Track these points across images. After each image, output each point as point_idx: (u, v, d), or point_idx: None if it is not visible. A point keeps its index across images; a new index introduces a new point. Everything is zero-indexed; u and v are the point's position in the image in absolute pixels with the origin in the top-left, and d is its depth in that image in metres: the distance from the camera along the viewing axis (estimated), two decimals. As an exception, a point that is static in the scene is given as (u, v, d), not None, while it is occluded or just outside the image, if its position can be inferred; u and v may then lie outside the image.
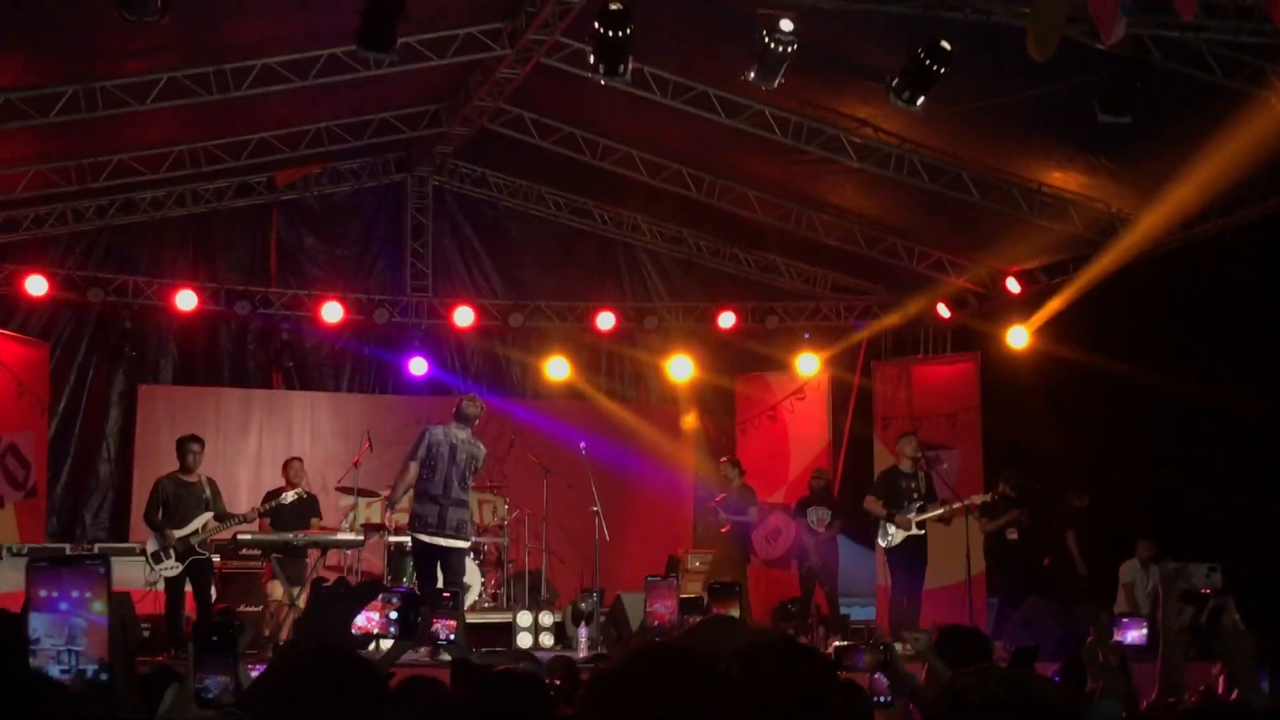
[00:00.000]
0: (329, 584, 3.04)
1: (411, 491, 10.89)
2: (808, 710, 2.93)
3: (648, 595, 4.45)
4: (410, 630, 3.67)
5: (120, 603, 10.26)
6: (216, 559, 11.86)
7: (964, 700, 3.64)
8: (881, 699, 4.65)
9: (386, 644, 4.21)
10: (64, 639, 2.03)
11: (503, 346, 16.52)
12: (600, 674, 2.53)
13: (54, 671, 2.03)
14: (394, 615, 3.62)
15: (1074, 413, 13.54)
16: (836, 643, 4.83)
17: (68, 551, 12.22)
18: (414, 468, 10.81)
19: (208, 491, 11.70)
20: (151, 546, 11.43)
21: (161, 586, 11.37)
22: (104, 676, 2.01)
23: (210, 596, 11.50)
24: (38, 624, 2.06)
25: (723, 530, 13.68)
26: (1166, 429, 12.59)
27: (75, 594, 2.07)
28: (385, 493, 13.97)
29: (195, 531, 11.43)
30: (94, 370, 15.16)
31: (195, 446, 11.82)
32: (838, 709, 3.18)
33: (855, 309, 16.29)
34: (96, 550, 12.47)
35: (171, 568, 11.33)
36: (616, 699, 2.44)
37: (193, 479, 11.71)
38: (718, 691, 2.41)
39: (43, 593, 2.07)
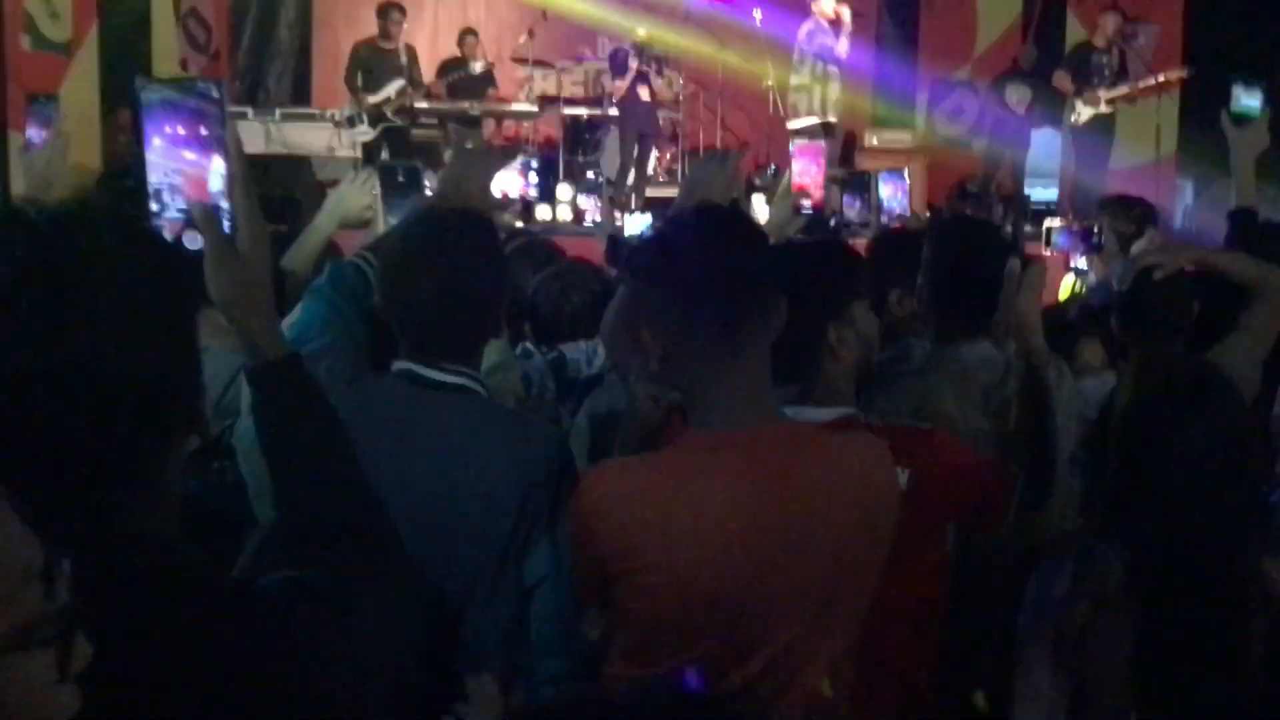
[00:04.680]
0: (472, 145, 3.05)
1: None
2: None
3: (792, 157, 4.24)
4: (548, 196, 3.72)
5: (298, 167, 10.56)
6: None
7: (1146, 274, 3.57)
8: None
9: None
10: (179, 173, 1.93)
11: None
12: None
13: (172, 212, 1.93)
14: (534, 181, 3.64)
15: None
16: (1049, 222, 4.69)
17: (249, 115, 12.36)
18: None
19: (404, 59, 11.69)
20: (347, 111, 11.56)
21: (345, 152, 11.57)
22: (223, 204, 1.91)
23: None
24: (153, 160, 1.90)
25: None
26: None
27: (187, 127, 1.91)
28: (562, 64, 13.91)
29: (387, 99, 11.51)
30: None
31: (396, 15, 11.73)
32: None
33: None
34: (278, 114, 12.66)
35: (365, 133, 11.48)
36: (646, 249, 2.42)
37: (390, 46, 11.69)
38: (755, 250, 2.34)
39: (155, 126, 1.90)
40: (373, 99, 11.47)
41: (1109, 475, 2.46)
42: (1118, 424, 2.45)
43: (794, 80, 12.15)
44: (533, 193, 3.85)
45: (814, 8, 12.06)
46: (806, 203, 4.01)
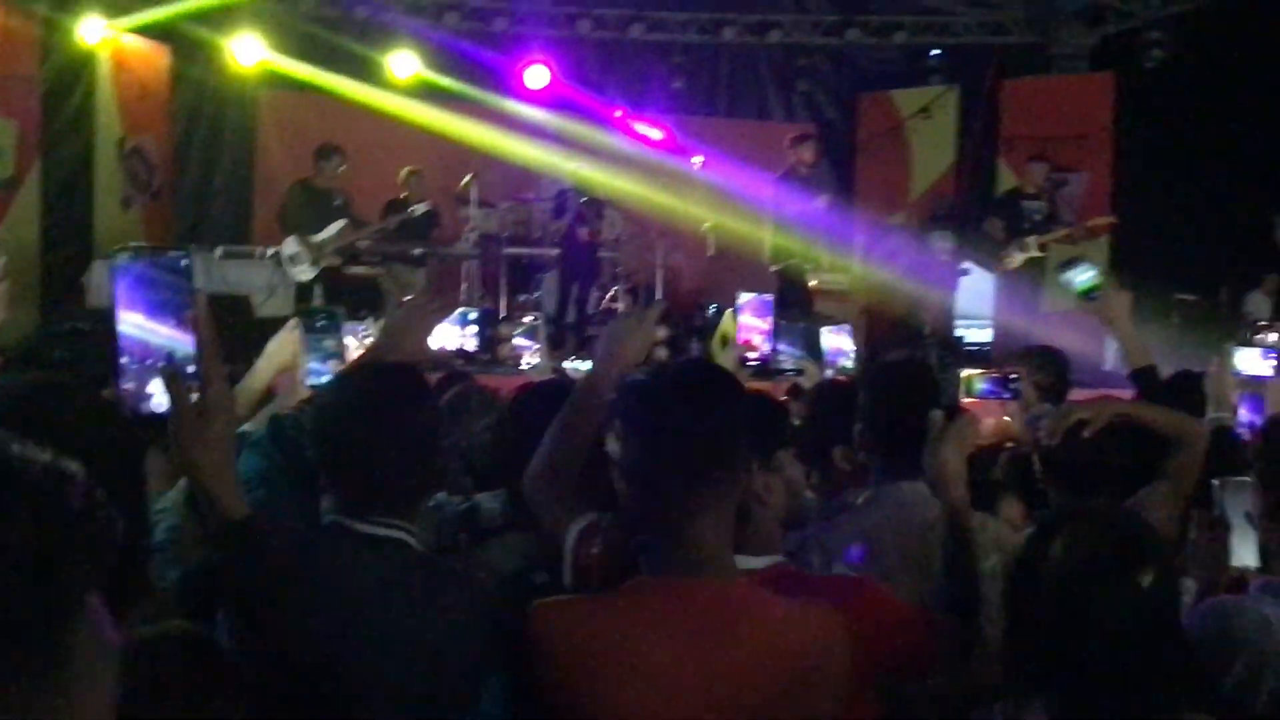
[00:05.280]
0: (412, 290, 3.11)
1: None
2: None
3: (739, 311, 4.31)
4: (487, 346, 3.76)
5: (238, 305, 10.56)
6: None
7: (1075, 429, 3.64)
8: None
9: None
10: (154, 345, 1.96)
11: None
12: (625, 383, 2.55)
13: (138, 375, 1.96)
14: (472, 333, 3.70)
15: (1216, 134, 13.10)
16: (967, 372, 4.73)
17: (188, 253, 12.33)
18: None
19: (340, 200, 11.76)
20: (288, 249, 11.55)
21: (283, 292, 11.55)
22: (190, 369, 1.95)
23: (339, 305, 11.65)
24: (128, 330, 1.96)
25: None
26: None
27: (157, 295, 1.98)
28: (506, 204, 14.11)
29: (329, 239, 11.55)
30: (214, 73, 15.12)
31: (335, 158, 11.81)
32: None
33: (988, 24, 15.65)
34: (221, 252, 12.65)
35: (305, 272, 11.48)
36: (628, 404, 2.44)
37: (326, 186, 11.75)
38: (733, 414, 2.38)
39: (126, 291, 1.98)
40: (315, 238, 11.51)
41: (1037, 629, 2.47)
42: (1048, 579, 2.45)
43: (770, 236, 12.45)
44: (471, 344, 3.90)
45: (792, 155, 12.33)
46: (753, 355, 4.08)
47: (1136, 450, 3.71)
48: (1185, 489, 3.51)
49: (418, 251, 12.47)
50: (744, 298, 4.30)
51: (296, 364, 3.13)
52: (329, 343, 3.12)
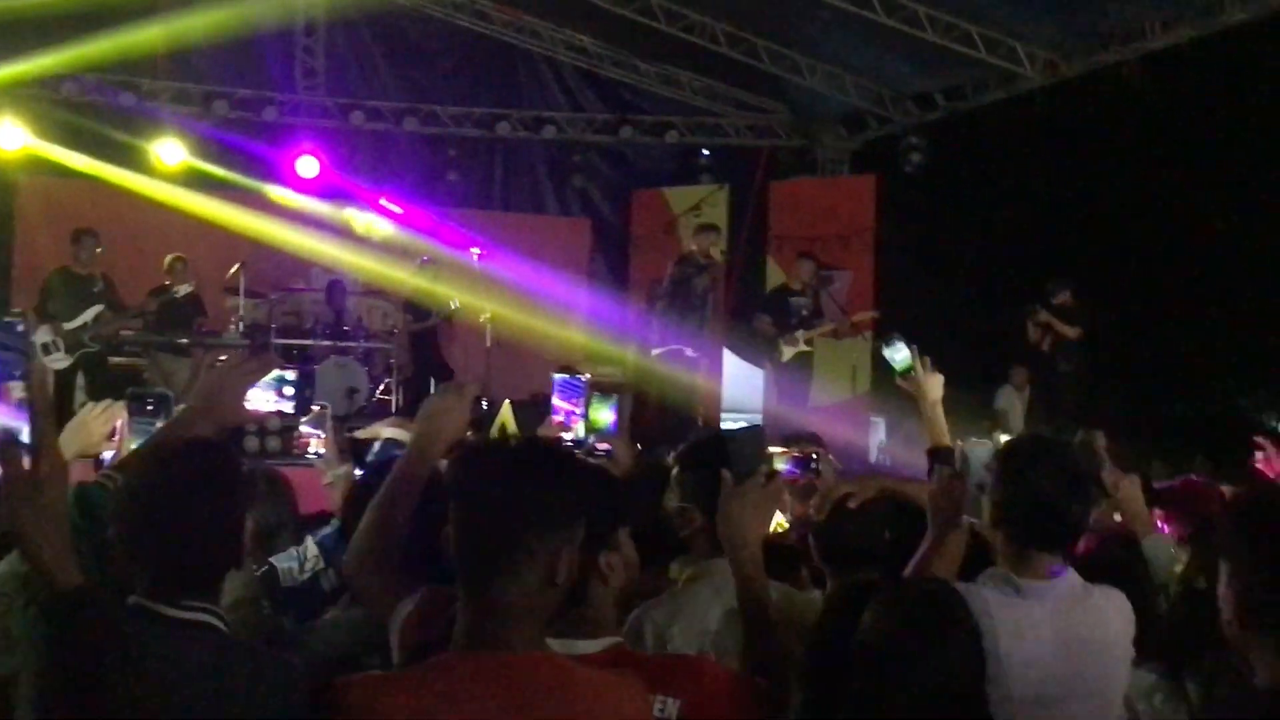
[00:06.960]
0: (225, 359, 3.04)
1: None
2: None
3: (555, 394, 4.33)
4: (303, 409, 3.70)
5: None
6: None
7: (843, 503, 3.75)
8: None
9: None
10: None
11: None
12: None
13: None
14: (289, 392, 3.65)
15: (971, 233, 13.76)
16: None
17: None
18: None
19: (100, 285, 11.46)
20: (42, 338, 11.17)
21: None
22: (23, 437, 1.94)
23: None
24: None
25: None
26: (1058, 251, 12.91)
27: None
28: (276, 294, 13.91)
29: (85, 324, 11.22)
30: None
31: (89, 241, 11.54)
32: None
33: (756, 127, 16.18)
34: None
35: (60, 360, 11.11)
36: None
37: (84, 272, 11.46)
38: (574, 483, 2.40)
39: None
40: (69, 325, 11.17)
41: (851, 697, 2.51)
42: (859, 648, 2.50)
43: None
44: (288, 407, 3.79)
45: (683, 247, 12.62)
46: (568, 436, 4.08)
47: (904, 525, 3.82)
48: (954, 561, 3.62)
49: (183, 340, 12.17)
50: (557, 379, 4.32)
51: (100, 448, 3.03)
52: (160, 424, 3.03)
